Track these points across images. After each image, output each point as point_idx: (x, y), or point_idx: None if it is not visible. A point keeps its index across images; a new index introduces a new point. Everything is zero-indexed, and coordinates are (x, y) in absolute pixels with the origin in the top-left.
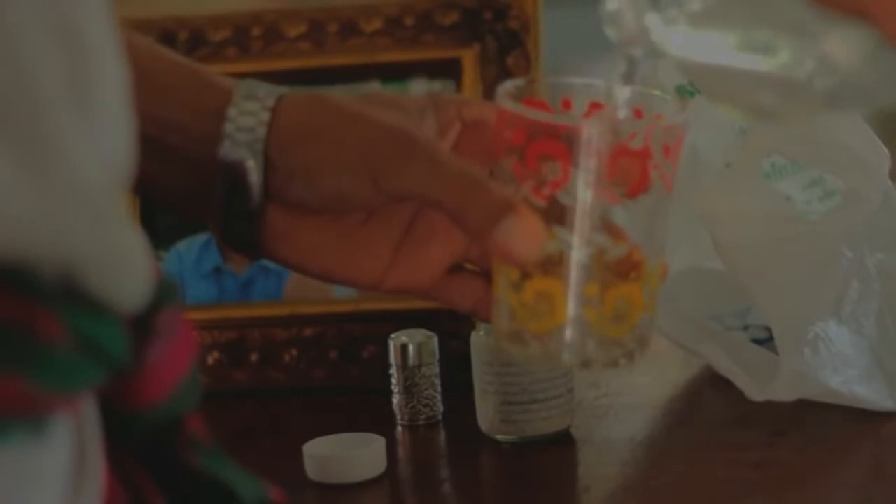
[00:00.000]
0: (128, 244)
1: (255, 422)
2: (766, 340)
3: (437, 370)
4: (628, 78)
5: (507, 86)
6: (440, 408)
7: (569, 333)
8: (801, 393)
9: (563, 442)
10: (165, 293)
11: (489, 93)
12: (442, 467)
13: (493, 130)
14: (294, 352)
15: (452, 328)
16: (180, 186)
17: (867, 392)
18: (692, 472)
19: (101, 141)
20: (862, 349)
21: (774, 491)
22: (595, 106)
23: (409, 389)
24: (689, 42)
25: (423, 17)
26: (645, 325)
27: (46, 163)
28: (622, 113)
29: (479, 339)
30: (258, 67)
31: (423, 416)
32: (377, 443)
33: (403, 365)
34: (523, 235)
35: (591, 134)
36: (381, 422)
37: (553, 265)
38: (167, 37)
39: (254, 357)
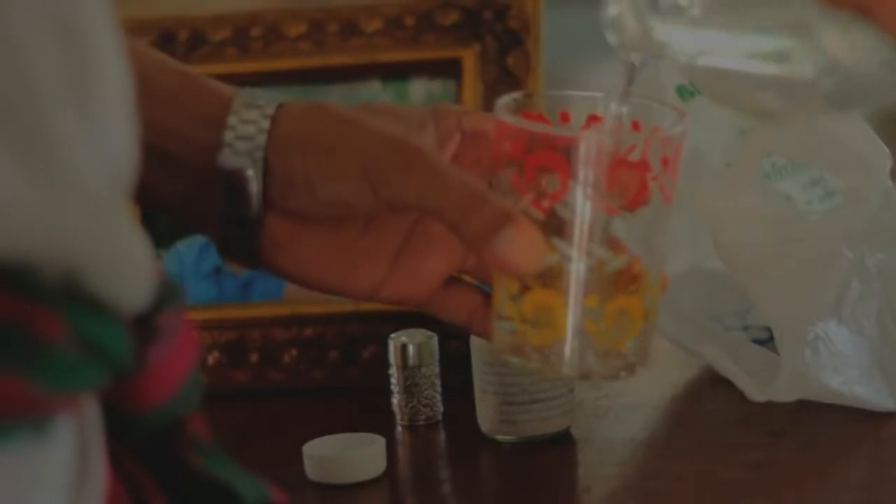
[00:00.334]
0: (130, 244)
1: (255, 422)
2: (766, 340)
3: (437, 370)
4: (627, 84)
5: (506, 99)
6: (440, 408)
7: (569, 346)
8: (801, 393)
9: (563, 442)
10: (168, 294)
11: (489, 93)
12: (442, 467)
13: (493, 143)
14: (294, 352)
15: (452, 328)
16: (179, 194)
17: (867, 392)
18: (692, 472)
19: (102, 141)
20: (862, 349)
21: (774, 491)
22: (593, 119)
23: (409, 389)
24: (691, 44)
25: (423, 17)
26: (645, 337)
27: (46, 162)
28: (620, 125)
29: (479, 339)
30: (258, 67)
31: (422, 417)
32: (377, 443)
33: (403, 365)
34: (522, 247)
35: (590, 146)
36: (380, 422)
37: (553, 277)
38: (167, 37)
39: (254, 357)
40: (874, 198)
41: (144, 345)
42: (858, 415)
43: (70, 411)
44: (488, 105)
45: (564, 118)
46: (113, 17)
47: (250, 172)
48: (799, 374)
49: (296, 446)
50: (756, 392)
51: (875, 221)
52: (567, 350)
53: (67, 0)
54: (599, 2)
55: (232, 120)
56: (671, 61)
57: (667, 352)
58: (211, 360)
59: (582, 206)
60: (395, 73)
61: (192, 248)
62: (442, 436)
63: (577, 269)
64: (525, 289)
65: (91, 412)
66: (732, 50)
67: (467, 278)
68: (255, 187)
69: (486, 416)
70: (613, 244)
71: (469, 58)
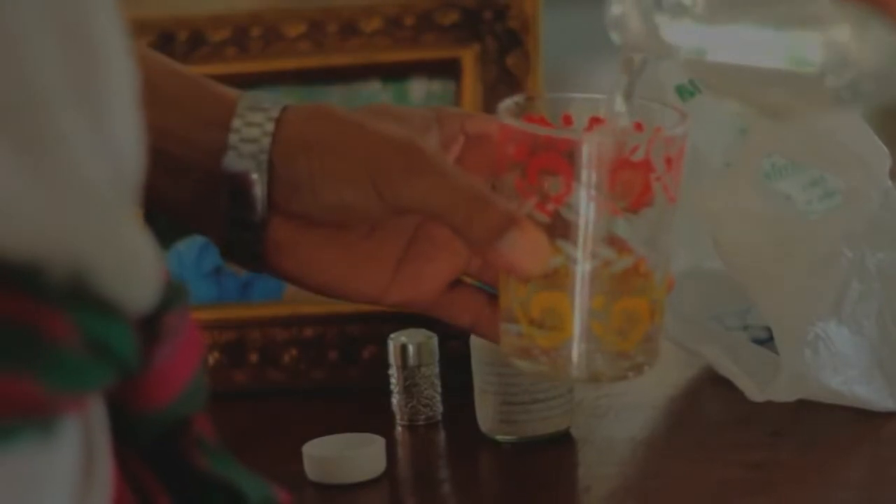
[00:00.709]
0: (136, 245)
1: (254, 422)
2: (766, 340)
3: (436, 370)
4: (630, 84)
5: (508, 102)
6: (440, 408)
7: (576, 347)
8: (801, 393)
9: (563, 442)
10: (173, 294)
11: (489, 93)
12: (441, 468)
13: (496, 146)
14: (294, 352)
15: (452, 328)
16: (183, 197)
17: (867, 392)
18: (692, 472)
19: (108, 141)
20: (862, 349)
21: (774, 491)
22: (596, 121)
23: (408, 390)
24: (698, 41)
25: (422, 17)
26: (653, 337)
27: (51, 162)
28: (623, 126)
29: (479, 339)
30: (258, 67)
31: (422, 417)
32: (377, 443)
33: (403, 365)
34: (527, 248)
35: (593, 147)
36: (380, 422)
37: (559, 279)
38: (167, 37)
39: (254, 357)
40: (874, 198)
41: (150, 345)
42: (858, 415)
43: (76, 412)
44: (488, 105)
45: (567, 121)
46: (119, 18)
47: (255, 176)
48: (799, 374)
49: (296, 446)
50: (756, 392)
51: (875, 221)
52: (574, 352)
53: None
54: (599, 1)
55: (236, 123)
56: (675, 59)
57: (667, 352)
58: (211, 360)
59: (586, 207)
60: (395, 73)
61: (192, 248)
62: (442, 436)
63: (583, 270)
64: (532, 292)
65: (97, 413)
66: (740, 46)
67: (468, 280)
68: (259, 190)
69: (485, 416)
70: (618, 245)
71: (469, 58)
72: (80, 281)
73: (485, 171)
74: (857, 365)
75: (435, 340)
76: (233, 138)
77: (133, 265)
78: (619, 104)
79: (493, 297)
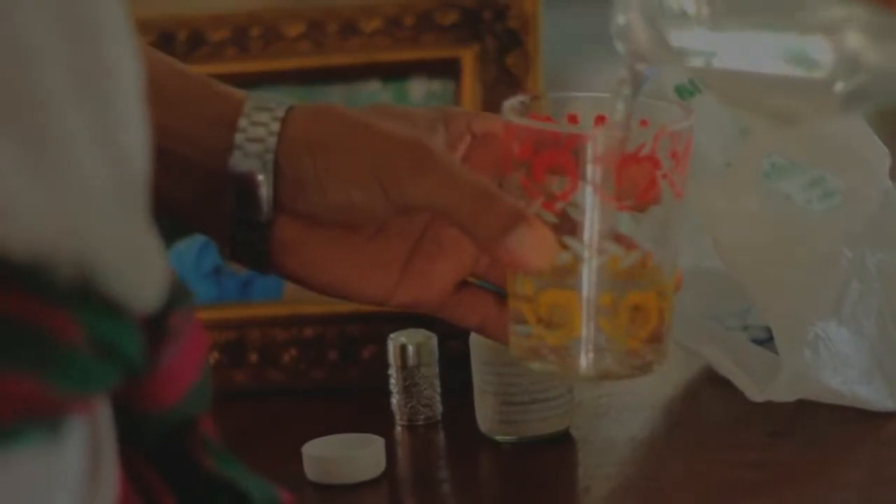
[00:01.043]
0: (143, 244)
1: (254, 422)
2: (766, 340)
3: (436, 370)
4: (633, 93)
5: (512, 101)
6: (439, 408)
7: (585, 345)
8: (801, 393)
9: (562, 442)
10: (179, 294)
11: (489, 93)
12: (441, 468)
13: (501, 145)
14: (294, 352)
15: (452, 328)
16: (185, 196)
17: (867, 392)
18: (692, 472)
19: (114, 140)
20: (862, 349)
21: (774, 491)
22: (601, 119)
23: (408, 390)
24: (704, 48)
25: (422, 17)
26: (662, 336)
27: (58, 161)
28: (628, 122)
29: (478, 339)
30: (257, 67)
31: (422, 417)
32: (376, 443)
33: (403, 365)
34: (534, 244)
35: (598, 144)
36: (380, 422)
37: (566, 277)
38: (166, 37)
39: (253, 357)
40: (874, 198)
41: (156, 345)
42: (858, 415)
43: (83, 412)
44: (488, 105)
45: (572, 120)
46: (126, 17)
47: (261, 177)
48: (799, 374)
49: (295, 446)
50: (756, 392)
51: (875, 221)
52: (583, 349)
53: None
54: (599, 1)
55: (242, 122)
56: (685, 68)
57: None
58: (211, 360)
59: (593, 204)
60: (395, 72)
61: (191, 248)
62: (441, 436)
63: (590, 266)
64: (540, 290)
65: (103, 413)
66: (747, 53)
67: (474, 281)
68: (265, 190)
69: (485, 416)
70: (625, 242)
71: (468, 58)
72: (86, 280)
73: (491, 171)
74: (857, 365)
75: (434, 340)
76: (239, 138)
77: (139, 264)
78: (623, 114)
79: (500, 298)
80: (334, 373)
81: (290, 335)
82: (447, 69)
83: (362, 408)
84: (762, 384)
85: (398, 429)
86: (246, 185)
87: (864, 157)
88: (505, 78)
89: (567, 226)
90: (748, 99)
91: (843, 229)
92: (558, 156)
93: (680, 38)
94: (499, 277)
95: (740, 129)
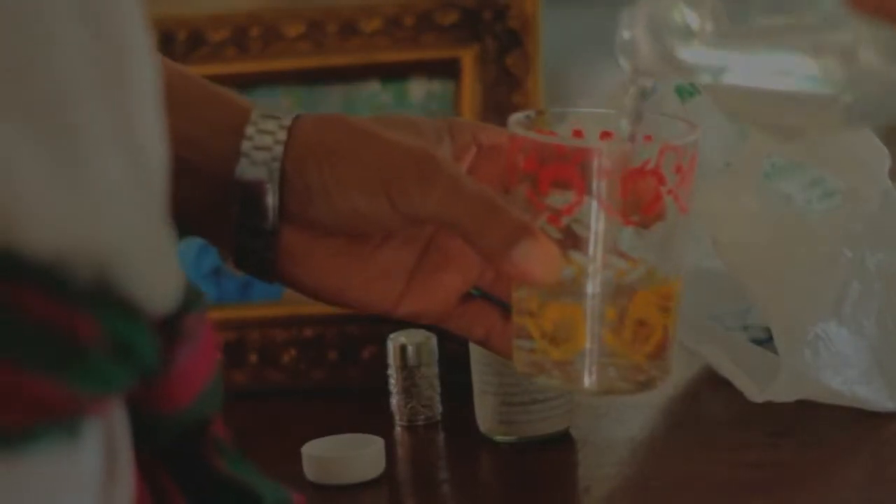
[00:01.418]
0: (162, 245)
1: (254, 422)
2: (766, 340)
3: (436, 371)
4: (638, 108)
5: (518, 116)
6: (439, 408)
7: (589, 359)
8: (801, 393)
9: (562, 442)
10: (193, 296)
11: (488, 93)
12: (441, 468)
13: (507, 158)
14: (293, 352)
15: None
16: (193, 204)
17: (867, 392)
18: (692, 472)
19: (133, 140)
20: (862, 349)
21: (774, 491)
22: (606, 135)
23: (408, 390)
24: (709, 64)
25: (422, 17)
26: (665, 352)
27: (78, 162)
28: (634, 137)
29: None
30: (257, 67)
31: (422, 417)
32: (376, 444)
33: (402, 365)
34: (540, 257)
35: (604, 157)
36: (380, 422)
37: (571, 291)
38: (166, 37)
39: (253, 358)
40: (874, 198)
41: (171, 346)
42: (858, 415)
43: (100, 413)
44: (488, 105)
45: (577, 135)
46: (143, 15)
47: (268, 185)
48: (799, 374)
49: (295, 447)
50: (756, 392)
51: (875, 221)
52: (587, 364)
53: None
54: (599, 2)
55: (250, 130)
56: (687, 81)
57: None
58: None
59: (598, 217)
60: (395, 73)
61: (191, 248)
62: (441, 436)
63: (595, 281)
64: (544, 304)
65: (118, 414)
66: (752, 68)
67: (476, 292)
68: (271, 199)
69: (485, 416)
70: (629, 257)
71: (468, 58)
72: (104, 281)
73: (497, 183)
74: (857, 365)
75: (434, 341)
76: (246, 145)
77: (157, 265)
78: (628, 129)
79: (505, 312)
80: (334, 373)
81: (290, 335)
82: (447, 69)
83: (362, 408)
84: (762, 384)
85: (398, 429)
86: (252, 193)
87: (864, 157)
88: (505, 78)
89: (571, 238)
90: (753, 114)
91: (843, 229)
92: (564, 169)
93: (686, 53)
94: (504, 291)
95: (740, 129)
